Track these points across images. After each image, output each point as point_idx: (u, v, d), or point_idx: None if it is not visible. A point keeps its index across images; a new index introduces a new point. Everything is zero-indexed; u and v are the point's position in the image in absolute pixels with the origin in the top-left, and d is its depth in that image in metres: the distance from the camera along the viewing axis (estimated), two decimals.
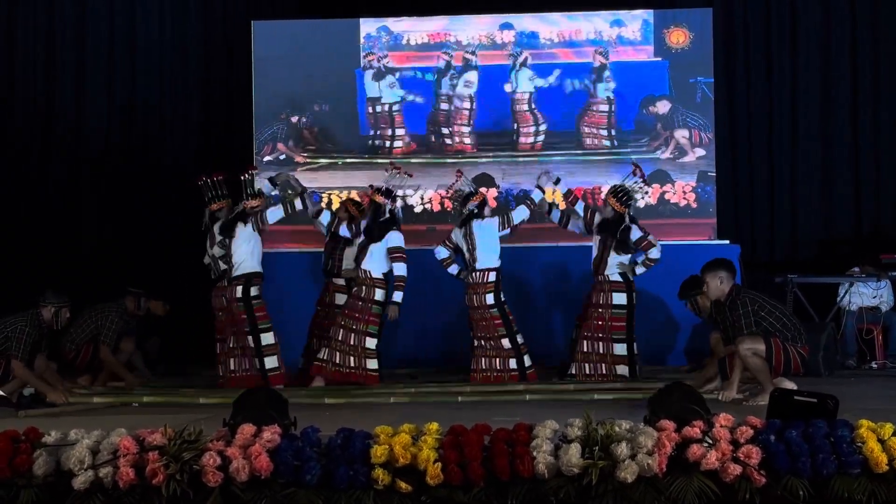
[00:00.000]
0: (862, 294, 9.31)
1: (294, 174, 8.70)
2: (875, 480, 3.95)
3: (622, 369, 7.84)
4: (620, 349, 7.86)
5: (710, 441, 4.02)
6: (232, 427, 4.23)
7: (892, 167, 10.93)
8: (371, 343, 7.78)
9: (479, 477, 3.96)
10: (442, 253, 8.18)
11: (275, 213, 8.06)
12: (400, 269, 7.83)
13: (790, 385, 6.41)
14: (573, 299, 8.71)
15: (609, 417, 4.16)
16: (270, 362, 7.87)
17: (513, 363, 7.88)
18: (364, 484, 3.96)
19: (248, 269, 7.94)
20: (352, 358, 7.75)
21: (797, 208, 11.01)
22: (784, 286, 9.30)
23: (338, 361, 7.78)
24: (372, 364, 7.78)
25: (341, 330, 7.82)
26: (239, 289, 7.91)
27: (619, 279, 7.89)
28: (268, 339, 7.90)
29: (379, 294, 7.83)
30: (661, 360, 9.12)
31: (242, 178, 8.14)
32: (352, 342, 7.77)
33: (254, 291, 7.94)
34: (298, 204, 8.10)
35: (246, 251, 7.95)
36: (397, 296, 7.79)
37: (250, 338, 7.86)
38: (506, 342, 7.87)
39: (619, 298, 7.89)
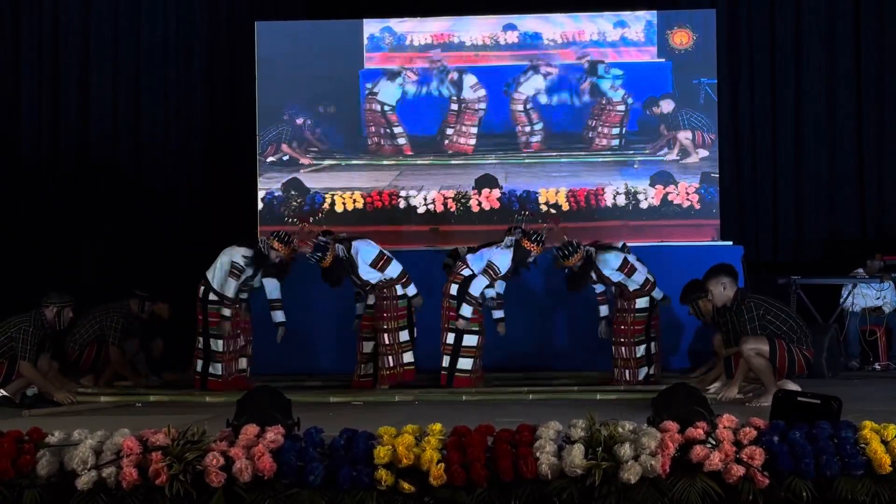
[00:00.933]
0: (865, 295, 9.30)
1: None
2: (878, 482, 3.96)
3: (643, 372, 7.90)
4: (641, 351, 7.92)
5: (714, 442, 4.02)
6: (235, 427, 4.23)
7: None
8: (404, 335, 7.84)
9: (482, 478, 3.96)
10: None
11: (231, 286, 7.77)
12: (392, 271, 7.81)
13: (794, 386, 6.41)
14: (576, 300, 8.69)
15: (612, 418, 4.16)
16: (213, 368, 7.77)
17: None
18: (367, 485, 3.96)
19: (210, 279, 7.85)
20: (390, 358, 7.79)
21: (800, 209, 11.00)
22: (787, 287, 9.29)
23: (378, 364, 7.84)
24: (408, 357, 7.84)
25: (380, 334, 7.86)
26: (202, 289, 7.87)
27: (638, 287, 7.89)
28: (217, 346, 7.79)
29: (399, 290, 7.86)
30: (665, 362, 9.09)
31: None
32: (387, 341, 7.81)
33: (212, 297, 7.85)
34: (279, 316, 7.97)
35: (222, 270, 7.82)
36: (410, 289, 7.84)
37: (201, 339, 7.82)
38: (450, 336, 7.83)
39: (642, 303, 7.91)
